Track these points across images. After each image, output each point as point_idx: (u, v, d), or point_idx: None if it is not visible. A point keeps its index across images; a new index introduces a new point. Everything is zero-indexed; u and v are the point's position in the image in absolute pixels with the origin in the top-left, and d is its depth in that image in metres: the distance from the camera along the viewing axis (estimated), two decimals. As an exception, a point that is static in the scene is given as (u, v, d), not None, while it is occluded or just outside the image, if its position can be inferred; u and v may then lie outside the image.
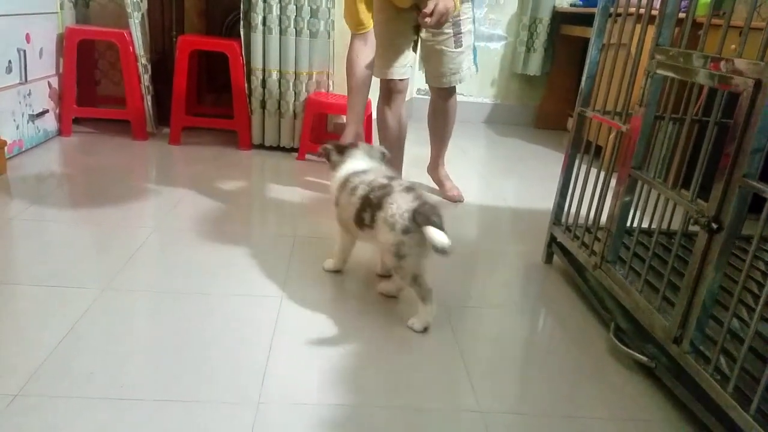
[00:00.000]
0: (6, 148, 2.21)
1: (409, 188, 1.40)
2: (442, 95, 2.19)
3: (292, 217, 2.09)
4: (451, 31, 2.03)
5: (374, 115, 3.02)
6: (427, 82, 2.20)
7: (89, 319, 1.31)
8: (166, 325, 1.33)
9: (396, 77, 2.08)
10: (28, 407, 1.03)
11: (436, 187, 2.40)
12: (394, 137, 2.18)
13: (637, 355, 1.28)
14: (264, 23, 2.64)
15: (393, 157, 2.07)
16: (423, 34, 2.08)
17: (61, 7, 2.71)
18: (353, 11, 1.99)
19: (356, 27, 2.01)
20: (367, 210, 1.41)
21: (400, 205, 1.34)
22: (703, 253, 1.09)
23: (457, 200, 2.33)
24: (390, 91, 2.11)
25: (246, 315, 1.40)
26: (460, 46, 2.05)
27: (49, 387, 1.09)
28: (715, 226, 1.06)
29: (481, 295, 1.65)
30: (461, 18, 2.03)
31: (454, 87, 2.17)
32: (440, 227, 1.27)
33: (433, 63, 2.10)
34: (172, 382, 1.14)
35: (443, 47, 2.06)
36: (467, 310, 1.54)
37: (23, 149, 2.43)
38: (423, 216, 1.30)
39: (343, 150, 1.60)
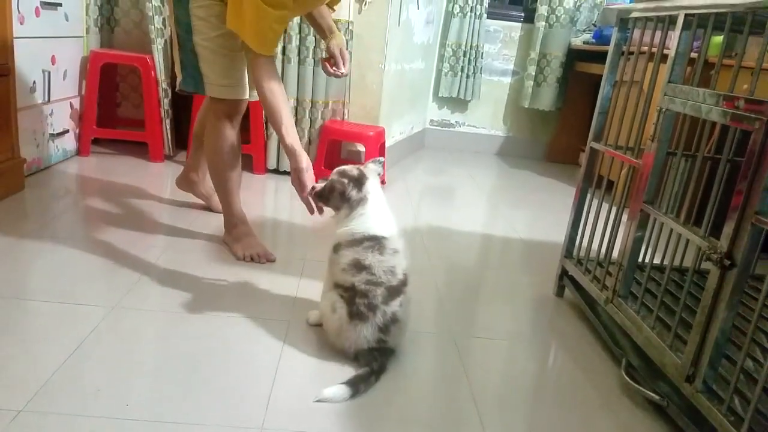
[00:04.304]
0: (25, 165, 2.25)
1: (390, 272, 1.32)
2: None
3: (303, 240, 2.10)
4: None
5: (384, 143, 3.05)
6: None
7: (97, 338, 1.32)
8: (173, 346, 1.33)
9: (248, 98, 1.87)
10: (31, 424, 1.03)
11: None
12: (237, 162, 1.90)
13: (649, 393, 1.25)
14: (283, 52, 2.70)
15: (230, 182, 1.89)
16: None
17: (87, 32, 2.80)
18: (276, 31, 1.62)
19: (271, 49, 1.64)
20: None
21: (380, 262, 1.31)
22: (716, 290, 1.08)
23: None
24: (238, 113, 1.86)
25: (253, 338, 1.40)
26: None
27: (54, 404, 1.08)
28: (727, 262, 1.05)
29: (490, 326, 1.63)
30: None
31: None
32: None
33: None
34: (176, 403, 1.13)
35: None
36: (476, 341, 1.53)
37: (41, 167, 2.48)
38: (351, 294, 1.30)
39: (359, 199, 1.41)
